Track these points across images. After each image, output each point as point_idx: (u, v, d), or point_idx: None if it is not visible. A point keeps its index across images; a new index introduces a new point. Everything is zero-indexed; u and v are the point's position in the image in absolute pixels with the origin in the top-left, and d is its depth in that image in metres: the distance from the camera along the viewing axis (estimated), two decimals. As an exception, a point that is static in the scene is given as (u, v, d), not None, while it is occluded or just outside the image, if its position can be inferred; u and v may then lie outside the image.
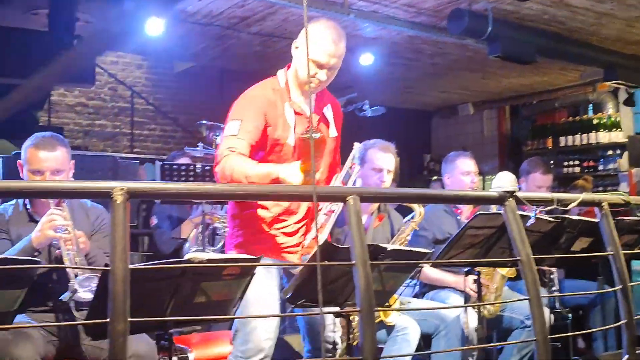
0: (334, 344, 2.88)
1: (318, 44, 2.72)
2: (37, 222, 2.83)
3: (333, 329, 2.88)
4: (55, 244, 2.73)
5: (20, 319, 2.72)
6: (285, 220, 2.81)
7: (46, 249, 2.79)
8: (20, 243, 2.71)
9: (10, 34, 5.40)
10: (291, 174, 2.52)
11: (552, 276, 3.91)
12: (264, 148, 2.75)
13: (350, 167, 2.99)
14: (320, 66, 2.73)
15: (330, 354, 2.87)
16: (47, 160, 2.79)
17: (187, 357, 3.17)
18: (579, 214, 3.59)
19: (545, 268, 3.78)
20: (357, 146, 3.11)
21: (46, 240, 2.70)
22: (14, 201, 2.92)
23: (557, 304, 3.90)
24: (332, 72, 2.80)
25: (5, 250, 2.73)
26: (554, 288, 3.90)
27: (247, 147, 2.67)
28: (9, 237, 2.82)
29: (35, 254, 2.69)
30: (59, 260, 2.75)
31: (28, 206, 2.90)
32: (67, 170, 2.88)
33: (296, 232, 2.83)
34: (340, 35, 2.78)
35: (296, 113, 2.79)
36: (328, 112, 2.94)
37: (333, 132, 2.95)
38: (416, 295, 3.94)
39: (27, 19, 5.40)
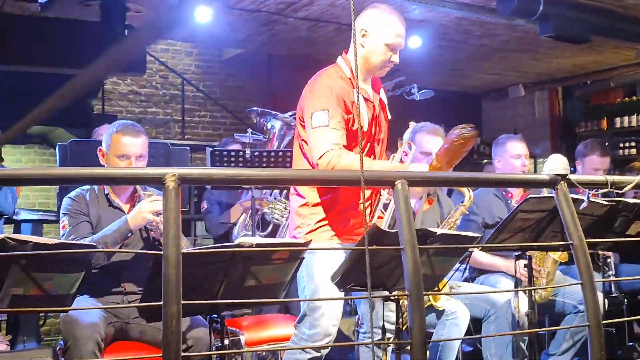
0: (384, 326, 2.88)
1: (391, 28, 2.76)
2: (115, 207, 3.02)
3: (382, 311, 2.88)
4: (149, 227, 2.93)
5: (85, 302, 2.84)
6: (353, 201, 2.85)
7: (137, 232, 2.96)
8: (115, 223, 2.86)
9: (64, 25, 5.55)
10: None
11: (608, 260, 3.83)
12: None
13: (409, 145, 3.00)
14: (394, 49, 2.79)
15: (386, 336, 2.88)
16: (133, 146, 2.96)
17: (239, 339, 3.23)
18: (634, 197, 3.50)
19: (600, 252, 3.71)
20: (412, 125, 3.11)
21: (143, 222, 2.86)
22: (87, 186, 3.05)
23: (613, 289, 3.82)
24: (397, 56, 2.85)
25: (87, 232, 2.91)
26: (609, 272, 3.82)
27: (344, 138, 2.70)
28: (89, 219, 2.96)
29: (129, 234, 2.86)
30: (150, 242, 2.97)
31: (106, 191, 3.05)
32: (146, 156, 3.03)
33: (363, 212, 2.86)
34: (400, 16, 2.84)
35: (364, 99, 2.84)
36: (383, 95, 2.99)
37: (388, 114, 2.99)
38: (466, 280, 3.91)
39: (80, 10, 5.53)
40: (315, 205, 2.84)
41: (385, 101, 2.98)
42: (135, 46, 0.75)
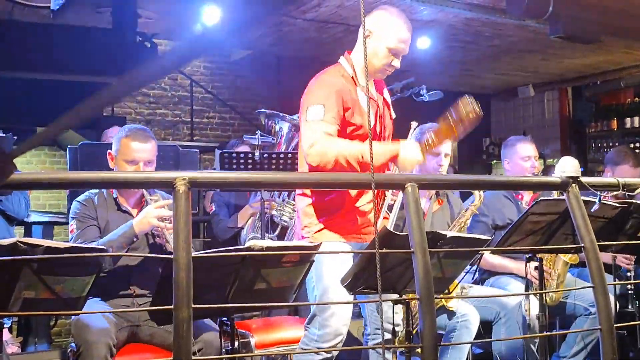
0: (394, 328, 2.88)
1: (395, 33, 2.76)
2: (123, 210, 3.01)
3: (392, 314, 2.88)
4: (155, 232, 2.91)
5: (96, 304, 2.84)
6: (358, 200, 2.85)
7: (144, 237, 2.94)
8: (121, 228, 2.86)
9: (76, 31, 5.57)
10: (412, 152, 2.58)
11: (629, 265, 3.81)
12: (343, 134, 2.78)
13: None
14: (396, 54, 2.79)
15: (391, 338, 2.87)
16: (142, 151, 2.95)
17: (249, 341, 3.23)
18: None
19: (619, 256, 3.68)
20: (413, 125, 3.11)
21: (148, 228, 2.85)
22: (96, 190, 3.05)
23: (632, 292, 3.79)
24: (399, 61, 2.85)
25: (94, 236, 2.91)
26: (629, 274, 3.80)
27: (337, 131, 2.71)
28: (97, 224, 2.97)
29: (135, 239, 2.85)
30: (157, 247, 2.94)
31: (114, 195, 3.05)
32: (154, 162, 3.03)
33: (369, 212, 2.86)
34: (409, 21, 2.84)
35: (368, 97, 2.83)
36: (387, 95, 3.00)
37: (393, 114, 3.00)
38: (476, 282, 3.89)
39: (92, 17, 5.56)
40: (321, 204, 2.84)
41: (389, 101, 3.00)
42: (162, 71, 0.75)
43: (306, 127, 2.74)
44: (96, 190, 3.06)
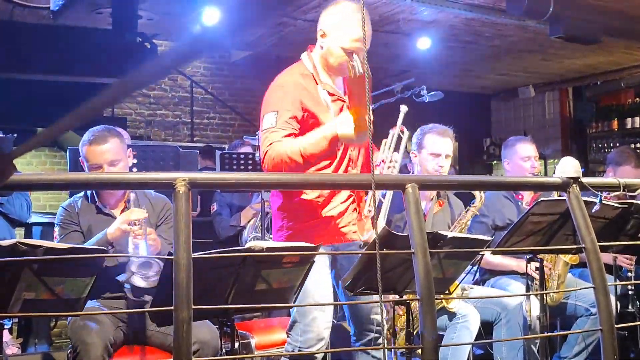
0: (379, 326, 2.83)
1: (347, 32, 2.64)
2: (104, 213, 2.95)
3: (377, 311, 2.83)
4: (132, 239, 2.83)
5: (92, 305, 2.83)
6: (330, 203, 2.72)
7: (120, 244, 2.87)
8: (95, 237, 2.82)
9: (76, 32, 5.57)
10: (347, 124, 2.43)
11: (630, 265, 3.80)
12: (305, 133, 2.65)
13: (401, 131, 2.89)
14: (354, 52, 2.62)
15: (378, 336, 2.83)
16: (102, 154, 2.87)
17: (249, 342, 3.23)
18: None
19: (620, 256, 3.68)
20: (403, 109, 2.97)
21: (120, 234, 2.79)
22: (82, 193, 3.03)
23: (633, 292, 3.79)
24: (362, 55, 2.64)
25: (77, 241, 2.85)
26: (630, 274, 3.80)
27: (292, 134, 2.59)
28: (80, 229, 2.93)
29: (110, 247, 2.80)
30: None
31: (95, 198, 3.00)
32: (124, 158, 2.94)
33: (345, 210, 2.75)
34: (366, 15, 2.56)
35: (329, 94, 2.74)
36: None
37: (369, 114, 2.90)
38: (477, 282, 3.89)
39: (91, 18, 5.56)
40: (289, 206, 2.72)
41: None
42: (162, 71, 0.75)
43: (262, 137, 2.64)
44: (81, 194, 3.02)
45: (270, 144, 2.56)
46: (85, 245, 2.75)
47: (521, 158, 3.91)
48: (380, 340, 2.81)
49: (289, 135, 2.58)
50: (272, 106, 2.64)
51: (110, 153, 2.88)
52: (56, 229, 2.94)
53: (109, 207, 3.01)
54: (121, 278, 2.74)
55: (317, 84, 2.72)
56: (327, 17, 2.71)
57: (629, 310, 3.75)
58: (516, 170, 3.91)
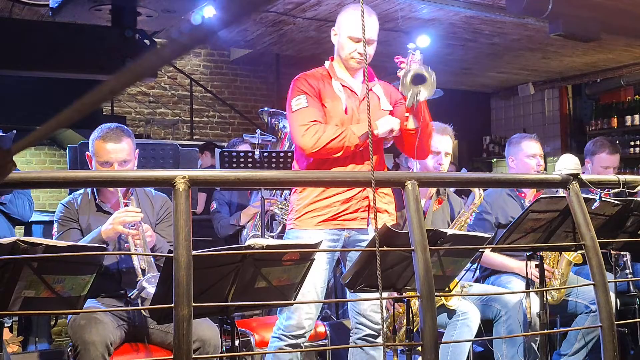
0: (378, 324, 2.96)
1: (350, 21, 2.98)
2: (104, 211, 2.95)
3: (375, 309, 2.95)
4: (124, 237, 2.82)
5: (91, 304, 2.83)
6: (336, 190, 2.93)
7: (115, 241, 2.88)
8: (90, 235, 2.81)
9: (75, 29, 5.56)
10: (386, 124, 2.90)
11: (624, 259, 3.79)
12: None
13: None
14: (357, 40, 2.95)
15: (375, 334, 2.96)
16: (115, 152, 2.86)
17: (249, 340, 3.23)
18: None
19: (613, 252, 3.67)
20: (411, 46, 3.16)
21: (114, 235, 2.78)
22: (82, 190, 3.03)
23: (631, 288, 3.78)
24: (371, 47, 2.98)
25: (75, 239, 2.85)
26: (627, 272, 3.79)
27: (323, 118, 2.91)
28: (79, 227, 2.93)
29: (104, 246, 2.77)
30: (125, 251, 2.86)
31: (96, 196, 3.00)
32: (133, 160, 2.96)
33: (351, 198, 2.92)
34: (369, 11, 3.02)
35: (343, 86, 3.02)
36: (377, 89, 3.10)
37: (385, 105, 3.08)
38: (477, 280, 3.89)
39: (91, 14, 5.55)
40: (302, 190, 2.95)
41: (381, 92, 3.10)
42: (159, 61, 0.74)
43: (293, 117, 2.92)
44: (81, 191, 3.01)
45: (309, 122, 2.85)
46: (82, 242, 2.76)
47: (527, 155, 3.88)
48: (379, 340, 2.87)
49: (320, 114, 2.91)
50: (300, 91, 2.95)
51: (123, 153, 2.88)
52: (55, 225, 2.94)
53: (110, 205, 3.01)
54: (133, 294, 2.72)
55: (331, 78, 3.03)
56: (337, 20, 3.09)
57: (629, 307, 3.75)
58: (521, 167, 3.89)
